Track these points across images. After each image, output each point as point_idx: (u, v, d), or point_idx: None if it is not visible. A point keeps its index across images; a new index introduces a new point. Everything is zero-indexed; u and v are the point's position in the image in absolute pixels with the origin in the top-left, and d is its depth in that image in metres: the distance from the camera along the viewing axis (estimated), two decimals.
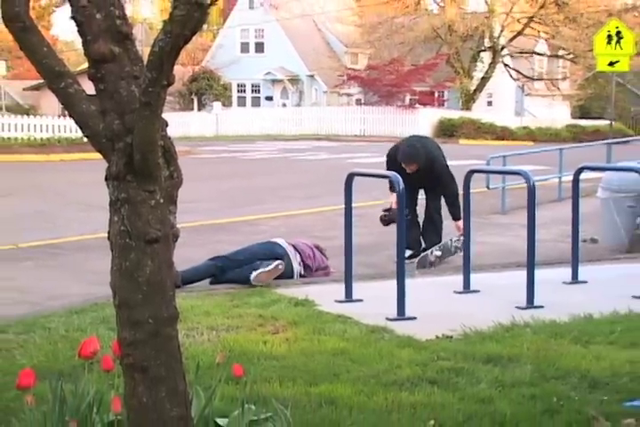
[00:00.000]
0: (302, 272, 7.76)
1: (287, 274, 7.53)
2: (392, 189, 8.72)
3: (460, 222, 8.33)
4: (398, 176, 6.44)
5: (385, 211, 9.24)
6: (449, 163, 9.26)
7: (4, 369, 4.66)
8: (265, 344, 5.23)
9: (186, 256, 7.43)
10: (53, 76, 2.93)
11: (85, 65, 2.99)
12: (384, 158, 9.39)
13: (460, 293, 6.92)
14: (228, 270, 7.37)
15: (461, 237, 7.83)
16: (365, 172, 7.38)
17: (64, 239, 10.18)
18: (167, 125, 2.98)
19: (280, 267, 7.29)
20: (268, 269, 7.21)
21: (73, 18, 2.84)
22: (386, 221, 9.13)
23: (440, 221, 9.33)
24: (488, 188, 13.54)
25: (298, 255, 7.75)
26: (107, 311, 5.81)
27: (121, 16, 2.88)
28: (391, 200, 9.04)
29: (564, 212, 9.21)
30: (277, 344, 5.23)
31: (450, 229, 9.24)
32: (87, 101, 2.95)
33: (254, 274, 7.15)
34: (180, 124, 37.15)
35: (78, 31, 2.85)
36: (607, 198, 9.87)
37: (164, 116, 2.93)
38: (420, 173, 8.91)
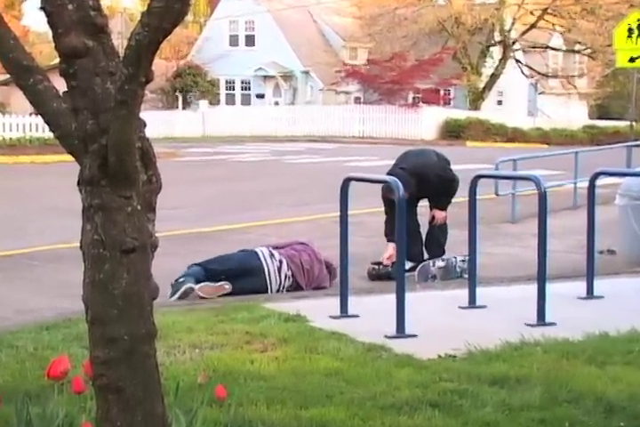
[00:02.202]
0: (289, 287, 7.84)
1: (261, 288, 7.75)
2: (388, 236, 8.81)
3: (442, 213, 9.08)
4: (398, 181, 6.43)
5: (374, 264, 8.90)
6: (454, 166, 9.26)
7: None
8: (252, 363, 5.23)
9: (166, 267, 7.43)
10: (21, 71, 2.93)
11: (58, 59, 2.99)
12: (383, 162, 9.38)
13: (464, 308, 6.93)
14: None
15: (466, 257, 7.75)
16: (363, 176, 7.40)
17: (35, 248, 10.17)
18: (145, 126, 2.99)
19: (227, 287, 7.56)
20: (214, 284, 7.54)
21: (42, 8, 2.85)
22: (374, 275, 8.84)
23: (445, 232, 9.32)
24: (497, 194, 13.55)
25: (286, 269, 7.82)
26: (80, 327, 5.78)
27: (95, 7, 2.89)
28: (385, 255, 8.79)
29: (579, 220, 9.23)
30: (266, 363, 5.23)
31: (454, 239, 9.25)
32: (58, 99, 2.96)
33: (199, 285, 7.49)
34: (163, 123, 37.17)
35: (48, 23, 2.85)
36: (626, 206, 9.88)
37: (145, 115, 2.94)
38: (419, 186, 8.89)
